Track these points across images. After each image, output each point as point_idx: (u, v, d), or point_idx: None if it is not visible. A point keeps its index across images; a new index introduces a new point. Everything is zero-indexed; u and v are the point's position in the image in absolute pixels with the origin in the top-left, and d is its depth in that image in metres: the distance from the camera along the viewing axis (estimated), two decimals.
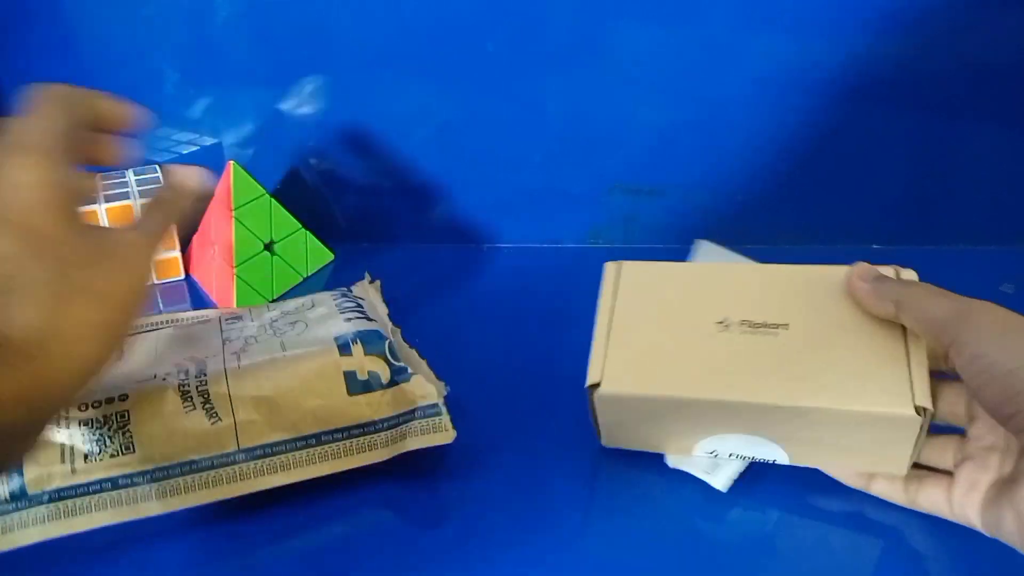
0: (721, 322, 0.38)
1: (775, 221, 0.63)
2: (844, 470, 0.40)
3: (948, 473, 0.38)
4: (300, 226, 0.59)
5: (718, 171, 0.61)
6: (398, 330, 0.50)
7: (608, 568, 0.38)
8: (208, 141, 0.61)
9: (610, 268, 0.42)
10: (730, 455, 0.40)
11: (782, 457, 0.39)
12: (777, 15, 0.55)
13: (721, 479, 0.41)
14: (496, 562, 0.38)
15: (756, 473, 0.42)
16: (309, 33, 0.56)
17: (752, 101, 0.58)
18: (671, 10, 0.55)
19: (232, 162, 0.55)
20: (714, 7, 0.54)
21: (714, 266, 0.42)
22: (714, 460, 0.41)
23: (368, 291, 0.54)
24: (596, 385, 0.38)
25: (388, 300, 0.53)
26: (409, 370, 0.42)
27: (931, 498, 0.38)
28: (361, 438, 0.41)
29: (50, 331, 0.29)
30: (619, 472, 0.43)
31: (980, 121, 0.58)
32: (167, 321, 0.53)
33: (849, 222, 0.63)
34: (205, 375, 0.41)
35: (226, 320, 0.49)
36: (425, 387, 0.42)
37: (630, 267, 0.42)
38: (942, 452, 0.39)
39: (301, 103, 0.59)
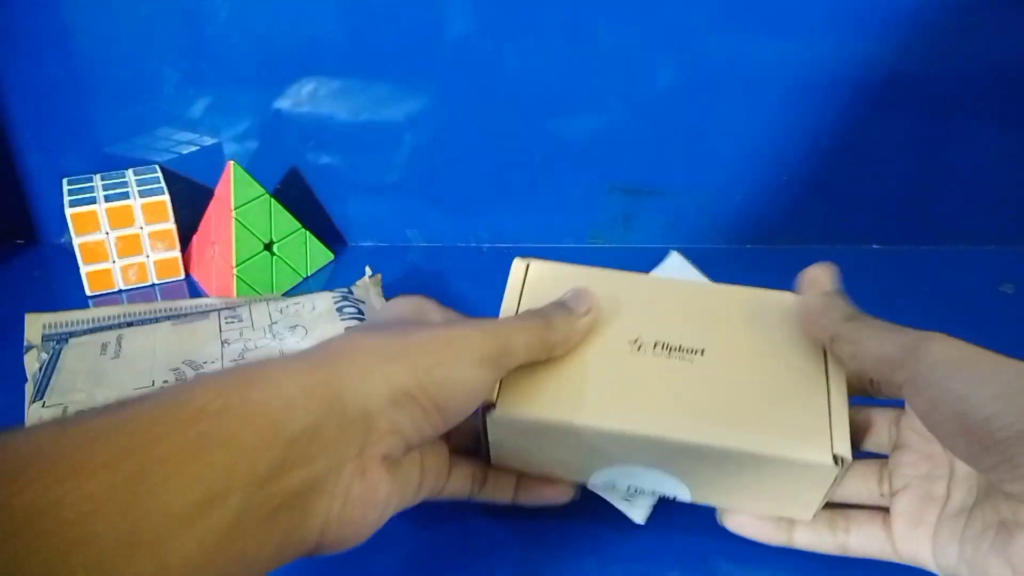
0: (634, 341, 0.35)
1: (774, 221, 0.63)
2: (754, 525, 0.36)
3: (876, 508, 0.35)
4: (300, 226, 0.59)
5: (717, 171, 0.61)
6: None
7: None
8: (208, 141, 0.61)
9: (518, 266, 0.38)
10: (628, 487, 0.37)
11: (684, 494, 0.36)
12: (776, 17, 0.55)
13: (639, 512, 0.38)
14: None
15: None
16: (309, 32, 0.56)
17: (751, 101, 0.58)
18: (669, 11, 0.55)
19: (232, 162, 0.55)
20: (713, 7, 0.54)
21: (631, 277, 0.38)
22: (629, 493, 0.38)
23: (369, 291, 0.53)
24: (491, 406, 0.34)
25: (388, 299, 0.53)
26: None
27: (867, 539, 0.34)
28: None
29: (357, 390, 0.27)
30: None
31: (980, 121, 0.58)
32: (165, 311, 0.52)
33: (849, 222, 0.63)
34: None
35: (226, 318, 0.48)
36: None
37: (538, 267, 0.38)
38: (862, 483, 0.35)
39: (300, 103, 0.59)
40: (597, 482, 0.37)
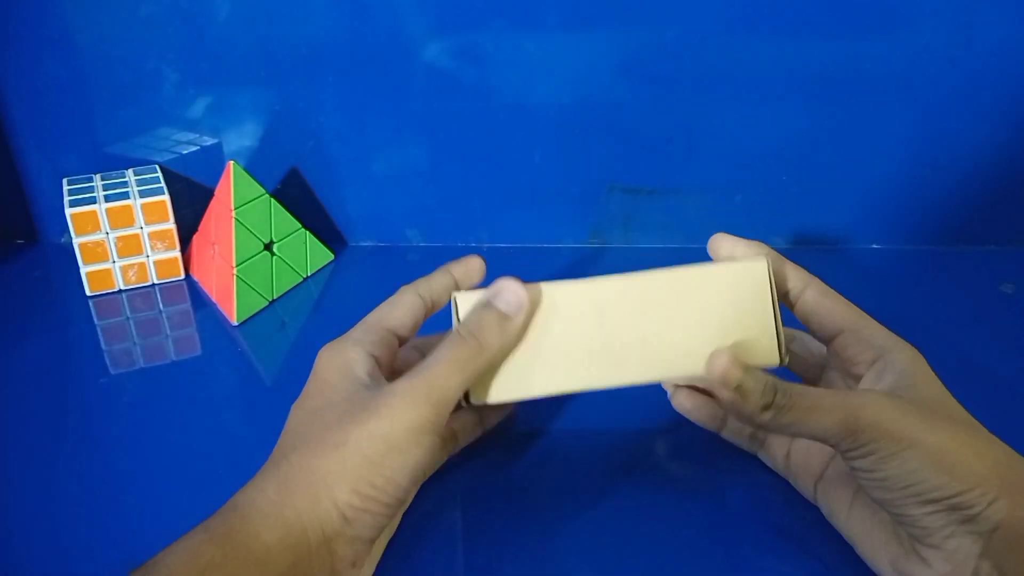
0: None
1: (773, 221, 0.63)
2: (694, 403, 0.40)
3: None
4: (300, 226, 0.59)
5: (717, 171, 0.61)
6: None
7: None
8: (208, 141, 0.61)
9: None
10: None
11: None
12: (775, 15, 0.55)
13: None
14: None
15: None
16: (309, 32, 0.56)
17: (752, 101, 0.58)
18: (667, 10, 0.55)
19: (232, 162, 0.55)
20: (711, 7, 0.55)
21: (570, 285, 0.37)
22: None
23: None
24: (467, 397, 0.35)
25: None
26: None
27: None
28: None
29: (292, 478, 0.31)
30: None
31: (980, 121, 0.58)
32: None
33: (849, 222, 0.63)
34: None
35: None
36: None
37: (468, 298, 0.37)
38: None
39: (300, 103, 0.59)
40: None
